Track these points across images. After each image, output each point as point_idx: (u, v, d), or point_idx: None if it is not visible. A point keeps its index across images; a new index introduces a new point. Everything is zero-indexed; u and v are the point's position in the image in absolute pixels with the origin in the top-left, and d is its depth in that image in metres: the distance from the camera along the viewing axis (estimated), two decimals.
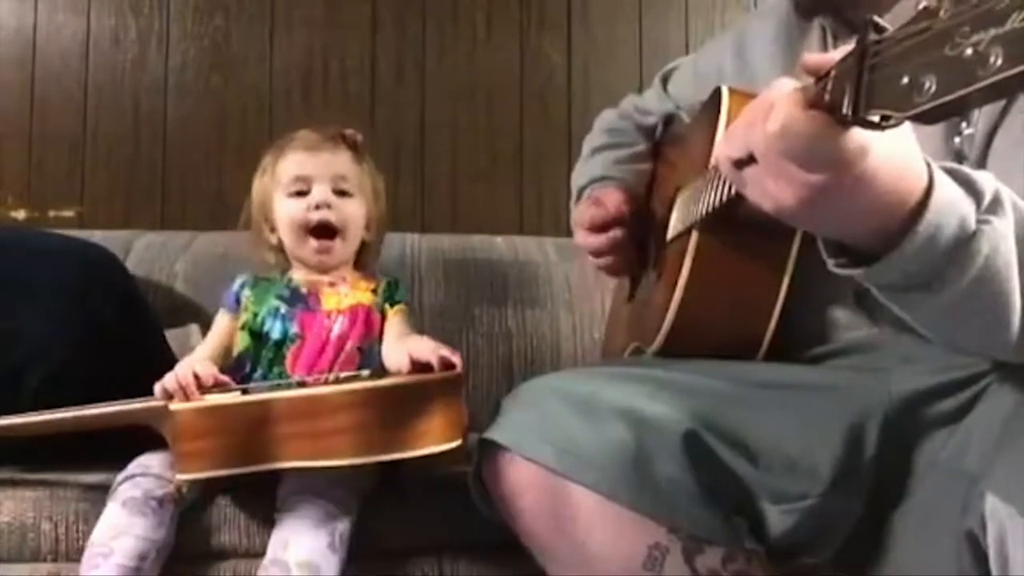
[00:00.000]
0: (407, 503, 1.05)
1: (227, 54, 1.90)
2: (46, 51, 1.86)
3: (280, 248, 1.25)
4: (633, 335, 1.03)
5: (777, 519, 0.77)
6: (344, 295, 1.20)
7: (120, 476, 1.00)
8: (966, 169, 0.61)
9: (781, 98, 0.55)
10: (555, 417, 0.78)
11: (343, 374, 1.08)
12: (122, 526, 0.95)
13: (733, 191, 0.72)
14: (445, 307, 1.59)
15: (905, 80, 0.45)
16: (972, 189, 0.60)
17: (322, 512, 0.96)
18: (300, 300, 1.19)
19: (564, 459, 0.75)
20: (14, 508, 1.04)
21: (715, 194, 0.79)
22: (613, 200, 1.07)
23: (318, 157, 1.22)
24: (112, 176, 1.87)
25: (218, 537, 1.03)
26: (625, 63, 1.95)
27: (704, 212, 0.82)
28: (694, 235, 0.86)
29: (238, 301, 1.21)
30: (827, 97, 0.53)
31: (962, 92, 0.42)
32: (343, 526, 0.97)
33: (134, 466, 1.01)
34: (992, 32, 0.40)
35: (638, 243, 1.09)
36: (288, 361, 1.14)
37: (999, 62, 0.39)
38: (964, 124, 0.73)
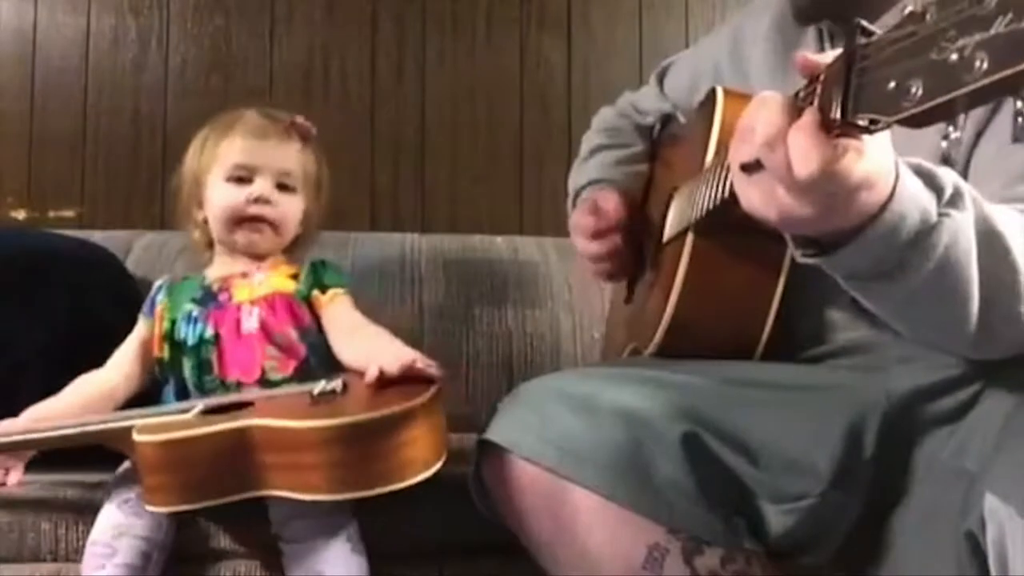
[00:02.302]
0: (407, 505, 1.05)
1: (227, 54, 1.89)
2: (46, 51, 1.86)
3: (206, 225, 1.19)
4: (631, 336, 1.03)
5: (777, 519, 0.77)
6: (258, 284, 1.13)
7: (114, 476, 1.01)
8: (928, 164, 0.62)
9: (801, 127, 0.54)
10: (555, 418, 0.78)
11: (316, 389, 0.96)
12: (123, 526, 0.95)
13: (728, 193, 0.72)
14: (445, 307, 1.59)
15: (892, 85, 0.45)
16: (933, 183, 0.61)
17: (329, 528, 0.96)
18: (211, 298, 1.13)
19: (564, 460, 0.75)
20: (14, 508, 1.04)
21: (710, 195, 0.79)
22: (611, 205, 1.07)
23: (265, 147, 1.15)
24: (112, 176, 1.87)
25: (218, 539, 1.03)
26: (625, 63, 1.95)
27: (700, 213, 0.82)
28: (689, 236, 0.86)
29: (153, 305, 1.15)
30: (816, 101, 0.53)
31: (948, 96, 0.42)
32: (351, 528, 0.97)
33: (127, 465, 1.01)
34: (977, 37, 0.40)
35: (635, 245, 1.09)
36: (215, 366, 1.08)
37: (984, 67, 0.40)
38: (951, 128, 0.74)
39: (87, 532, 0.98)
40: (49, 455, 1.17)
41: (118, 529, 0.95)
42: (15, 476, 1.04)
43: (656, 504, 0.75)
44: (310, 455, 0.87)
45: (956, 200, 0.62)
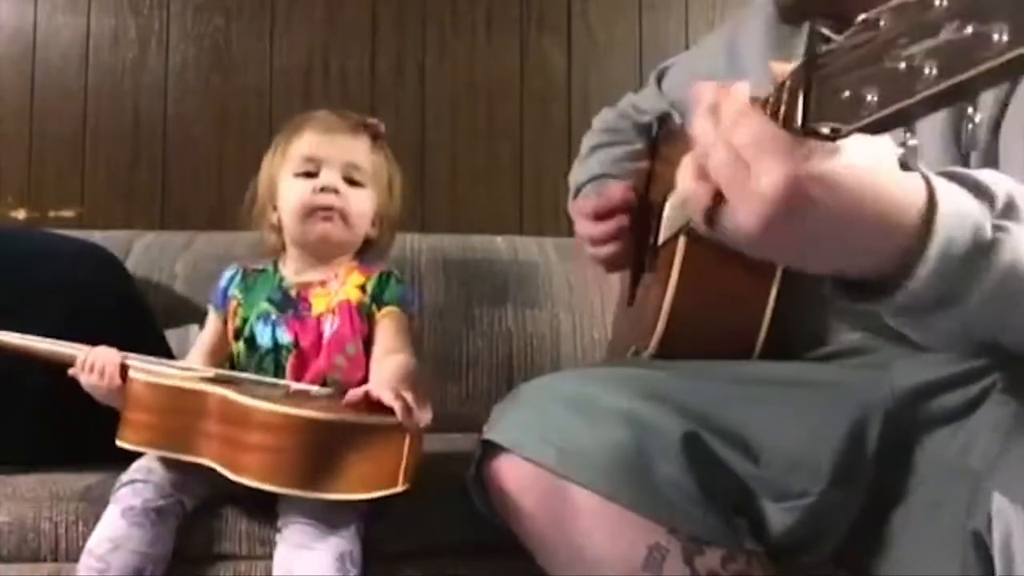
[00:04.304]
0: (407, 505, 1.05)
1: (227, 54, 1.90)
2: (46, 51, 1.86)
3: (280, 229, 1.20)
4: (632, 338, 1.03)
5: (778, 517, 0.77)
6: (334, 293, 1.14)
7: (124, 477, 1.00)
8: (974, 172, 0.58)
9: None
10: (555, 418, 0.78)
11: (295, 387, 1.04)
12: (120, 538, 0.94)
13: None
14: (445, 307, 1.59)
15: (847, 93, 0.45)
16: (983, 193, 0.56)
17: (326, 539, 0.93)
18: (290, 305, 1.13)
19: (564, 460, 0.75)
20: (14, 508, 1.04)
21: None
22: (616, 190, 1.07)
23: (333, 140, 1.16)
24: (112, 176, 1.87)
25: (219, 542, 1.03)
26: (625, 63, 1.95)
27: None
28: (682, 240, 0.86)
29: (226, 298, 1.17)
30: (783, 108, 0.52)
31: (901, 105, 0.42)
32: (349, 548, 0.95)
33: (137, 468, 1.00)
34: (927, 44, 0.40)
35: (637, 244, 1.09)
36: (289, 372, 1.10)
37: (933, 74, 0.39)
38: (971, 109, 0.71)
39: (87, 532, 0.98)
40: (49, 455, 1.17)
41: (115, 541, 0.94)
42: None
43: (656, 504, 0.75)
44: (251, 435, 0.90)
45: (1010, 211, 0.55)
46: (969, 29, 0.38)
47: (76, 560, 0.96)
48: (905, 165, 0.66)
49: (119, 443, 1.00)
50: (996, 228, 0.55)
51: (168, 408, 0.98)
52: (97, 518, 0.97)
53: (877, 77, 0.43)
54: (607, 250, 1.07)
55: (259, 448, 0.90)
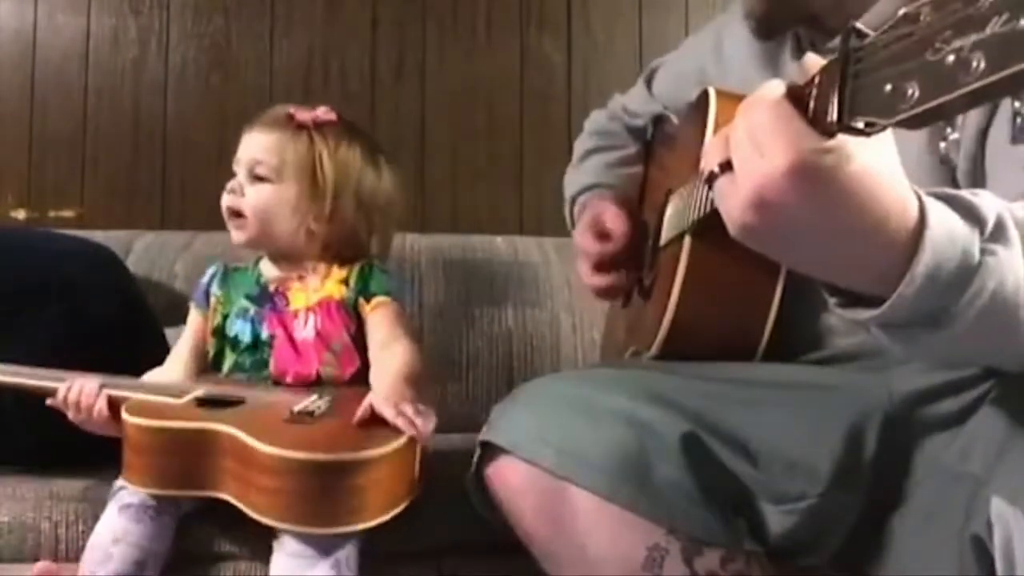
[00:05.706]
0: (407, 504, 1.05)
1: (227, 54, 1.89)
2: (46, 51, 1.86)
3: None
4: (631, 340, 1.03)
5: (777, 519, 0.77)
6: (314, 290, 1.12)
7: (117, 482, 1.00)
8: (966, 195, 0.58)
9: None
10: (554, 419, 0.78)
11: (297, 407, 0.98)
12: (120, 532, 0.95)
13: None
14: (445, 307, 1.59)
15: (888, 87, 0.45)
16: (973, 216, 0.56)
17: (322, 543, 0.92)
18: (268, 300, 1.13)
19: (563, 461, 0.75)
20: (14, 508, 1.04)
21: (706, 199, 0.78)
22: (619, 227, 1.06)
23: (247, 139, 1.15)
24: (112, 176, 1.87)
25: (218, 542, 1.03)
26: (625, 63, 1.95)
27: (696, 217, 0.82)
28: (687, 241, 0.86)
29: (207, 296, 1.16)
30: (812, 104, 0.52)
31: (945, 98, 0.41)
32: (344, 552, 0.94)
33: None
34: (973, 37, 0.39)
35: (633, 250, 1.08)
36: (273, 368, 1.10)
37: (981, 67, 0.39)
38: (949, 129, 0.72)
39: (87, 532, 0.98)
40: (49, 455, 1.17)
41: (115, 535, 0.95)
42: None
43: (656, 505, 0.75)
44: (258, 475, 0.89)
45: (999, 233, 0.56)
46: (1019, 23, 0.38)
47: (76, 560, 0.97)
48: (946, 159, 0.66)
49: (125, 484, 0.97)
50: (984, 251, 0.55)
51: (172, 450, 0.94)
52: (97, 518, 0.98)
53: (919, 71, 0.43)
54: (606, 296, 1.11)
55: (270, 489, 0.89)
